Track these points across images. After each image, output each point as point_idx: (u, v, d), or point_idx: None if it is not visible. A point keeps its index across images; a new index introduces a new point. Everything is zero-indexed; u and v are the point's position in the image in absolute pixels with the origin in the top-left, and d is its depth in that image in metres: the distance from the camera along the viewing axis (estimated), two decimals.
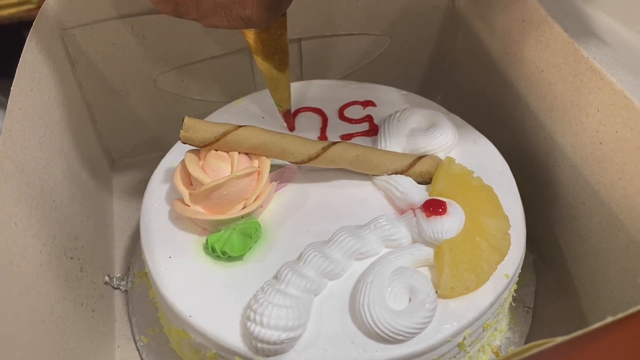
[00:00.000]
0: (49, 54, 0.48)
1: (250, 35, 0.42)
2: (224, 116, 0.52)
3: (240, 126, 0.43)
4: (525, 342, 0.47)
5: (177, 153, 0.49)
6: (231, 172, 0.42)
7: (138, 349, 0.48)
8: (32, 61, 0.45)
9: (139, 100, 0.59)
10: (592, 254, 0.45)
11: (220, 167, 0.43)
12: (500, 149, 0.49)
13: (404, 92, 0.55)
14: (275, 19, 0.38)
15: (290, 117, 0.50)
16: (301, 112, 0.53)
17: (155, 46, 0.55)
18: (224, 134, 0.43)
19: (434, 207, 0.41)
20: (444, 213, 0.41)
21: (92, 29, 0.52)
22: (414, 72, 0.65)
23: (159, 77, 0.57)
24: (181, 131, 0.42)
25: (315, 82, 0.56)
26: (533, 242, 0.53)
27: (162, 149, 0.61)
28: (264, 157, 0.44)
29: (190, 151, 0.44)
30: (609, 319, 0.26)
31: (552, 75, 0.45)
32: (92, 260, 0.48)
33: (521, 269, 0.46)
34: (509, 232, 0.42)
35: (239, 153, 0.43)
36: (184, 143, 0.43)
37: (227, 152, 0.43)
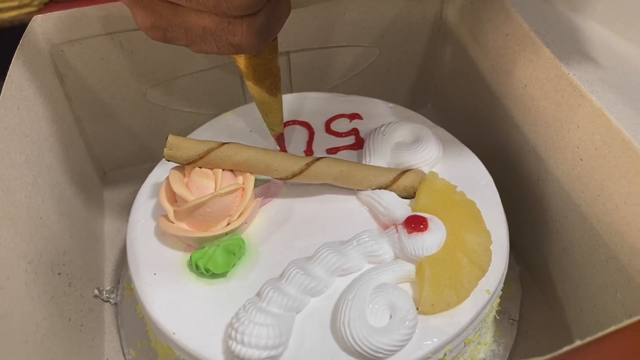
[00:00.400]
0: (37, 70, 0.49)
1: (240, 61, 0.42)
2: (211, 130, 0.53)
3: (224, 143, 0.44)
4: (510, 354, 0.48)
5: (164, 168, 0.49)
6: (215, 190, 0.43)
7: None
8: (18, 79, 0.45)
9: (129, 113, 0.59)
10: (576, 267, 0.45)
11: (204, 184, 0.43)
12: (486, 161, 0.49)
13: (390, 104, 0.55)
14: (265, 44, 0.37)
15: (283, 141, 0.50)
16: (288, 125, 0.53)
17: (144, 61, 0.55)
18: (208, 152, 0.43)
19: (415, 224, 0.41)
20: (425, 229, 0.41)
21: (80, 44, 0.52)
22: (403, 83, 0.66)
23: (148, 91, 0.58)
24: (165, 149, 0.43)
25: (302, 94, 0.56)
26: (519, 254, 0.53)
27: (153, 160, 0.62)
28: (248, 174, 0.44)
29: (175, 168, 0.44)
30: (578, 343, 0.27)
31: (535, 90, 0.45)
32: (81, 275, 0.49)
33: (507, 281, 0.47)
34: (491, 247, 0.42)
35: (223, 170, 0.44)
36: (168, 160, 0.43)
37: (211, 169, 0.44)
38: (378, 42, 0.60)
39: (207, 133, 0.52)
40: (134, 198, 0.50)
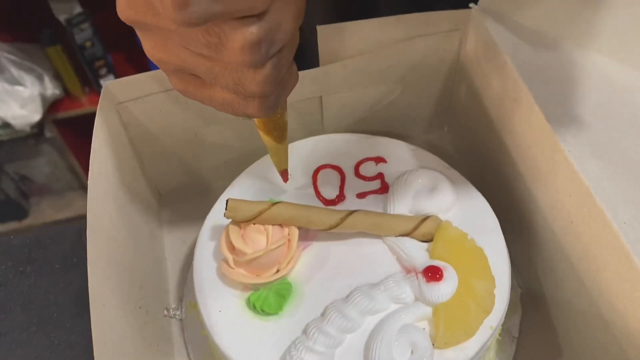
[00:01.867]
0: (110, 124, 0.57)
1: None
2: (256, 172, 0.61)
3: (274, 204, 0.52)
4: None
5: (218, 210, 0.58)
6: (267, 243, 0.52)
7: None
8: (102, 135, 0.54)
9: (182, 149, 0.67)
10: (566, 302, 0.54)
11: (257, 238, 0.52)
12: (492, 198, 0.58)
13: (412, 147, 0.63)
14: (274, 112, 0.44)
15: (286, 175, 0.58)
16: (323, 169, 0.61)
17: (196, 110, 0.63)
18: (260, 212, 0.52)
19: (432, 274, 0.51)
20: (441, 279, 0.50)
21: (142, 101, 0.60)
22: (422, 112, 0.73)
23: (199, 131, 0.66)
24: (225, 212, 0.52)
25: (332, 136, 0.65)
26: (522, 276, 0.62)
27: (202, 185, 0.72)
28: (293, 227, 0.54)
29: (232, 223, 0.54)
30: None
31: (537, 154, 0.53)
32: (154, 301, 0.59)
33: (510, 303, 0.56)
34: (495, 291, 0.51)
35: (273, 225, 0.53)
36: (228, 219, 0.52)
37: (263, 224, 0.53)
38: (400, 81, 0.67)
39: (253, 173, 0.61)
40: (189, 219, 0.62)
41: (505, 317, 0.55)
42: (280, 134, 0.52)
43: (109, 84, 0.57)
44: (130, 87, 0.59)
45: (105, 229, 0.50)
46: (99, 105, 0.56)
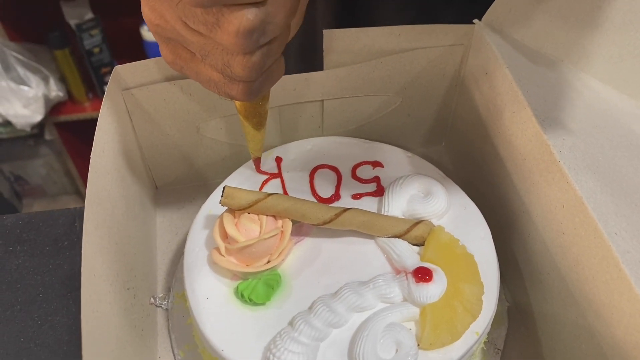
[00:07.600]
0: (115, 110, 0.58)
1: (235, 101, 0.51)
2: (254, 167, 0.62)
3: (269, 195, 0.53)
4: None
5: (214, 201, 0.59)
6: (260, 233, 0.52)
7: None
8: (106, 119, 0.55)
9: (183, 141, 0.68)
10: (552, 315, 0.54)
11: (251, 227, 0.53)
12: (485, 208, 0.58)
13: (409, 154, 0.64)
14: (256, 98, 0.45)
15: (258, 163, 0.60)
16: (320, 168, 0.62)
17: (199, 102, 0.64)
18: (256, 202, 0.52)
19: (422, 274, 0.51)
20: (430, 280, 0.51)
21: (147, 88, 0.61)
22: (421, 125, 0.74)
23: (201, 125, 0.66)
24: (221, 198, 0.52)
25: (331, 139, 0.66)
26: (510, 290, 0.62)
27: (200, 180, 0.72)
28: (287, 219, 0.54)
29: (227, 211, 0.54)
30: None
31: (532, 166, 0.54)
32: (142, 286, 0.59)
33: (496, 315, 0.56)
34: (483, 297, 0.51)
35: (267, 216, 0.53)
36: (223, 206, 0.53)
37: (257, 214, 0.53)
38: (401, 92, 0.69)
39: (250, 169, 0.62)
40: (182, 212, 0.63)
41: (490, 329, 0.56)
42: (259, 121, 0.53)
43: (119, 68, 0.58)
44: (137, 72, 0.60)
45: (102, 203, 0.51)
46: (107, 87, 0.57)
